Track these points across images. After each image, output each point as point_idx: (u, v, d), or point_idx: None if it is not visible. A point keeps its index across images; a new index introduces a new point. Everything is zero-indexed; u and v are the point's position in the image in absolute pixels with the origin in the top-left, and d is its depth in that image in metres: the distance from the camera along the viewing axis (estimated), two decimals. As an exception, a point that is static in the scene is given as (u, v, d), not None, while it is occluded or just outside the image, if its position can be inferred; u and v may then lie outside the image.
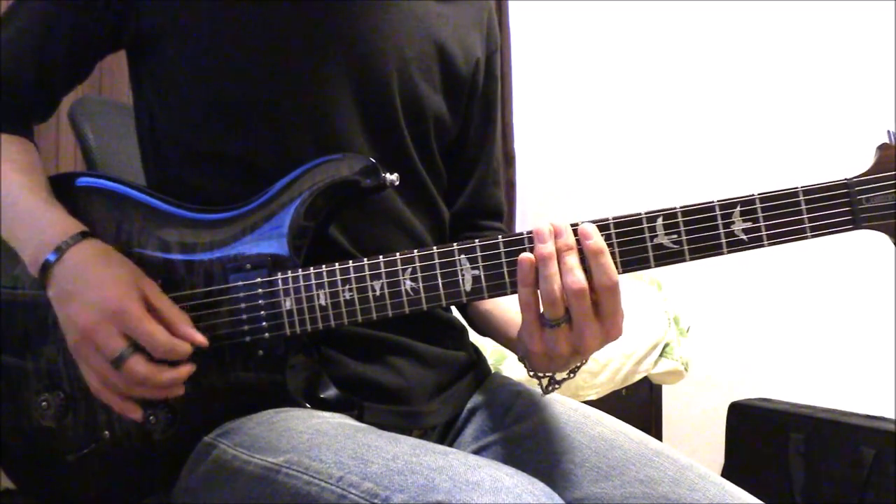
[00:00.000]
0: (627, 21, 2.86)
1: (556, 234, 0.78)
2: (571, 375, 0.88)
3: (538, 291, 0.78)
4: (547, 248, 0.78)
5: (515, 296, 0.88)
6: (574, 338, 0.79)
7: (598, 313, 0.78)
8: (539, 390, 1.03)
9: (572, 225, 0.79)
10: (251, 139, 0.94)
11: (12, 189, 0.91)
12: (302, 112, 0.93)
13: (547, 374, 0.88)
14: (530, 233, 0.81)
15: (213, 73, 0.93)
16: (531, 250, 0.80)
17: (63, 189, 0.94)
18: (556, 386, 0.90)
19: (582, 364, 0.87)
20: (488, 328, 1.04)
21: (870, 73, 2.32)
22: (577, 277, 0.77)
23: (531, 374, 0.88)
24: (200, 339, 0.85)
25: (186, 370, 0.85)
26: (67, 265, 0.86)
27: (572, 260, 0.77)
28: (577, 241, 0.78)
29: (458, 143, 1.08)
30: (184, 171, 0.97)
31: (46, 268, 0.86)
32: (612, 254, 0.79)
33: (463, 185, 1.10)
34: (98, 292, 0.83)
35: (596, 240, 0.78)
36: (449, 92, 1.02)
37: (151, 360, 0.83)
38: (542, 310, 0.79)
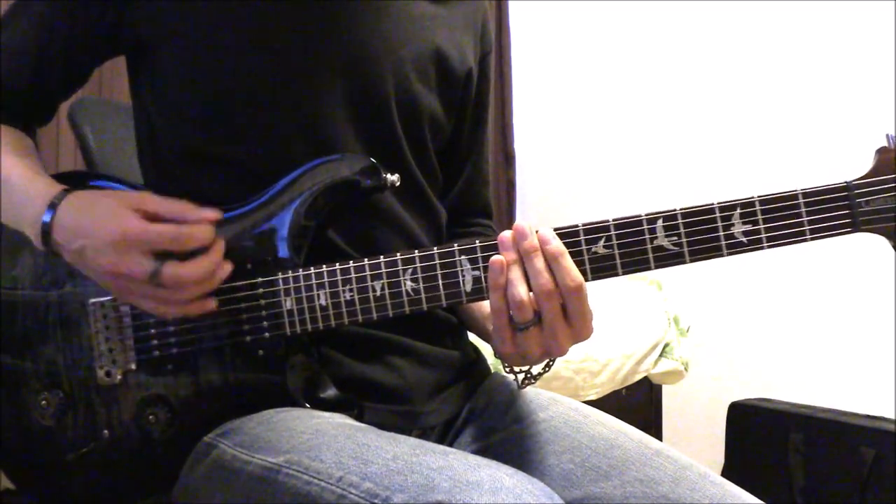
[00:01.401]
0: (627, 21, 2.86)
1: (520, 238, 0.79)
2: (547, 369, 0.90)
3: (506, 296, 0.80)
4: (510, 253, 0.79)
5: None
6: (545, 339, 0.80)
7: (567, 315, 0.79)
8: (538, 390, 1.03)
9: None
10: (247, 142, 0.94)
11: (10, 173, 0.92)
12: (297, 114, 0.94)
13: (522, 369, 0.90)
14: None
15: (210, 76, 0.93)
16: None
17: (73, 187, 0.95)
18: (532, 381, 0.92)
19: (555, 358, 0.88)
20: (468, 321, 1.05)
21: (870, 76, 2.32)
22: (545, 280, 0.78)
23: (507, 369, 0.90)
24: (210, 213, 0.86)
25: (219, 250, 0.85)
26: (62, 223, 0.86)
27: (538, 263, 0.79)
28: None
29: (449, 142, 1.08)
30: (181, 172, 0.97)
31: (46, 232, 0.86)
32: (612, 255, 0.79)
33: (452, 184, 1.11)
34: (99, 232, 0.84)
35: (554, 244, 0.79)
36: (444, 92, 1.02)
37: (185, 259, 0.83)
38: (511, 314, 0.80)
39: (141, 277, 0.82)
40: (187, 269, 0.83)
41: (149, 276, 0.82)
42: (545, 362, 0.88)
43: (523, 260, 0.79)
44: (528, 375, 0.91)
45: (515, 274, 0.79)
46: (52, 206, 0.86)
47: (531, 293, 0.79)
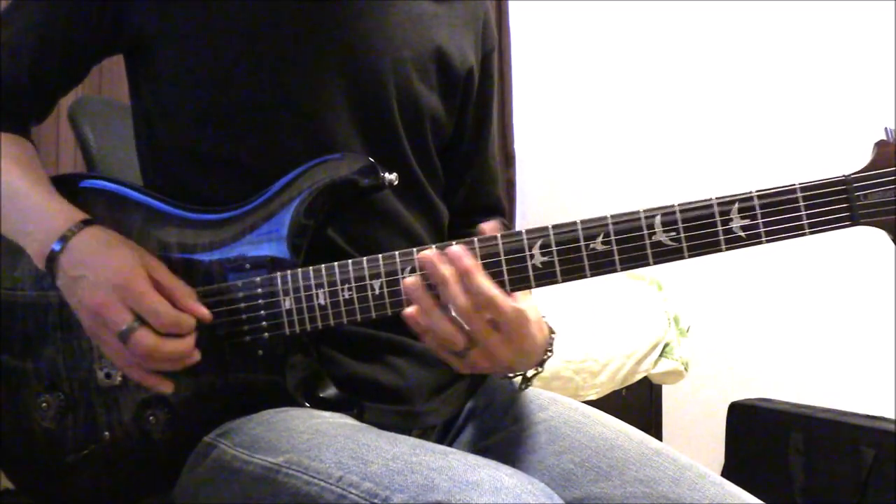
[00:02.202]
0: (627, 21, 2.86)
1: (429, 269, 0.79)
2: (540, 369, 0.89)
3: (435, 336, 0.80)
4: (425, 301, 0.79)
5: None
6: (488, 356, 0.80)
7: (499, 328, 0.79)
8: (538, 391, 1.03)
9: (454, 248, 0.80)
10: (247, 141, 0.94)
11: (13, 183, 0.92)
12: (297, 114, 0.94)
13: (517, 374, 0.89)
14: (530, 232, 0.81)
15: (209, 75, 0.93)
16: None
17: (64, 190, 0.94)
18: (528, 383, 0.91)
19: (547, 357, 0.88)
20: None
21: (867, 70, 2.32)
22: (461, 301, 0.77)
23: (500, 378, 0.90)
24: (203, 312, 0.86)
25: (190, 340, 0.85)
26: (73, 252, 0.86)
27: (452, 289, 0.78)
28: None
29: (453, 142, 1.08)
30: (181, 172, 0.97)
31: (53, 258, 0.86)
32: (611, 252, 0.79)
33: (459, 184, 1.10)
34: (104, 272, 0.84)
35: (463, 261, 0.78)
36: (445, 91, 1.02)
37: (159, 334, 0.84)
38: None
39: (114, 328, 0.83)
40: (156, 344, 0.83)
41: (121, 331, 0.83)
42: (537, 364, 0.88)
43: (438, 290, 0.79)
44: (524, 378, 0.90)
45: (434, 315, 0.78)
46: (64, 238, 0.87)
47: (453, 322, 0.78)
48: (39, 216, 0.90)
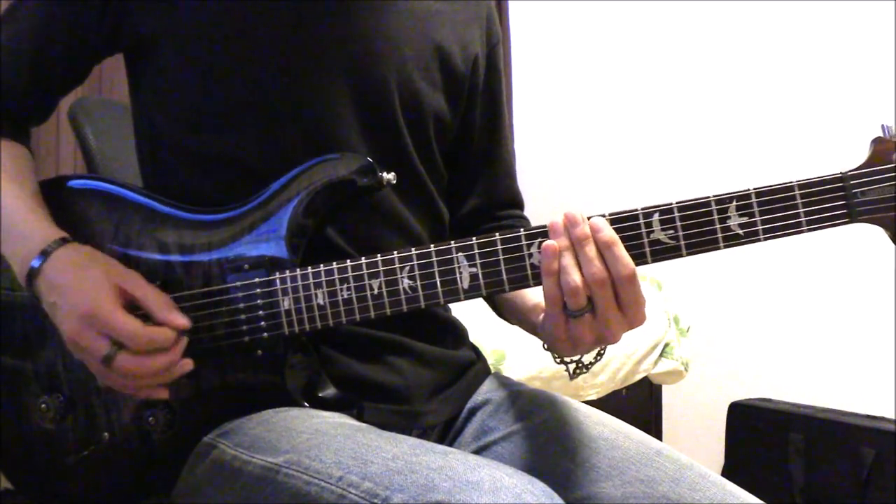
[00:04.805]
0: (627, 19, 2.86)
1: (571, 225, 0.78)
2: (598, 358, 0.89)
3: (560, 282, 0.78)
4: (562, 240, 0.78)
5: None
6: (598, 326, 0.79)
7: (620, 302, 0.79)
8: (538, 390, 1.03)
9: None
10: (248, 141, 0.94)
11: (4, 200, 0.91)
12: (299, 113, 0.93)
13: (573, 360, 0.88)
14: (528, 230, 0.82)
15: (209, 75, 0.93)
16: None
17: (60, 192, 0.94)
18: (584, 370, 0.90)
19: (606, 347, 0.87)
20: (512, 316, 1.03)
21: (864, 68, 2.32)
22: (597, 268, 0.77)
23: (558, 360, 0.89)
24: (181, 321, 0.85)
25: (177, 351, 0.85)
26: (48, 274, 0.85)
27: (591, 251, 0.78)
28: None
29: (464, 139, 1.08)
30: (181, 172, 0.97)
31: (32, 276, 0.86)
32: None
33: (476, 181, 1.10)
34: (73, 298, 0.83)
35: (606, 232, 0.78)
36: (448, 89, 1.02)
37: (140, 354, 0.83)
38: (565, 300, 0.79)
39: (96, 356, 0.83)
40: (139, 364, 0.83)
41: (102, 358, 0.82)
42: (596, 351, 0.87)
43: (575, 247, 0.78)
44: (580, 365, 0.90)
45: (568, 261, 0.78)
46: (45, 254, 0.86)
47: (584, 280, 0.78)
48: (19, 233, 0.89)
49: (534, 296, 0.95)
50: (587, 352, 0.86)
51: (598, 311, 0.79)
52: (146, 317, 0.85)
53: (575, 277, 0.77)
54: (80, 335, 0.83)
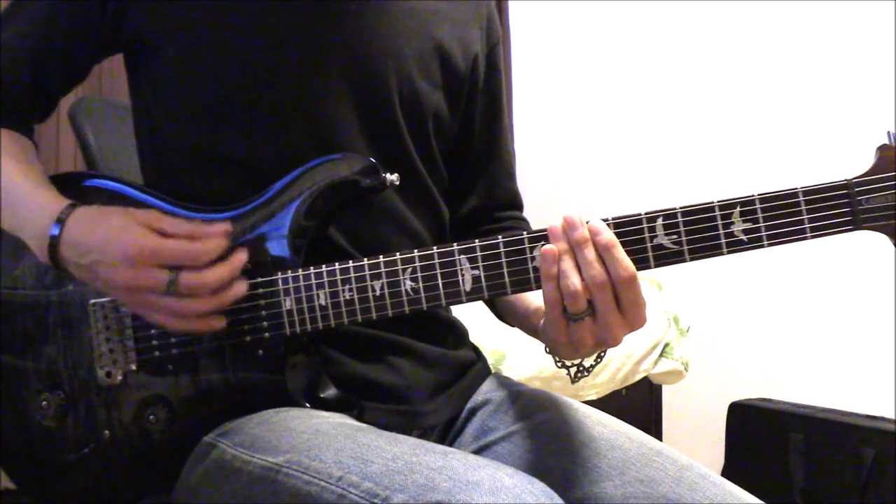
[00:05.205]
0: (627, 21, 2.86)
1: (571, 228, 0.78)
2: (599, 360, 0.89)
3: (560, 286, 0.78)
4: (561, 244, 0.78)
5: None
6: (599, 330, 0.79)
7: (620, 305, 0.79)
8: (538, 390, 1.03)
9: None
10: (248, 140, 0.94)
11: (9, 179, 0.91)
12: (299, 112, 0.93)
13: (574, 363, 0.89)
14: (531, 233, 0.82)
15: (210, 74, 0.93)
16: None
17: (64, 189, 0.94)
18: (585, 373, 0.90)
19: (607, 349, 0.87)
20: (513, 319, 1.03)
21: (870, 74, 2.32)
22: (597, 271, 0.77)
23: (559, 364, 0.88)
24: (220, 227, 0.86)
25: (239, 258, 0.85)
26: (72, 237, 0.86)
27: (590, 254, 0.78)
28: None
29: (463, 139, 1.08)
30: (181, 171, 0.97)
31: (53, 245, 0.86)
32: None
33: (476, 181, 1.10)
34: (113, 247, 0.84)
35: (605, 235, 0.78)
36: (448, 89, 1.02)
37: (200, 270, 0.84)
38: (565, 304, 0.79)
39: (159, 288, 0.83)
40: (205, 276, 0.83)
41: (166, 285, 0.82)
42: (597, 354, 0.87)
43: (574, 251, 0.78)
44: (581, 368, 0.90)
45: (567, 265, 0.78)
46: (60, 221, 0.86)
47: (584, 283, 0.78)
48: (30, 208, 0.89)
49: (535, 299, 0.95)
50: (589, 355, 0.86)
51: (598, 314, 0.79)
52: None
53: (574, 281, 0.77)
54: (136, 276, 0.83)
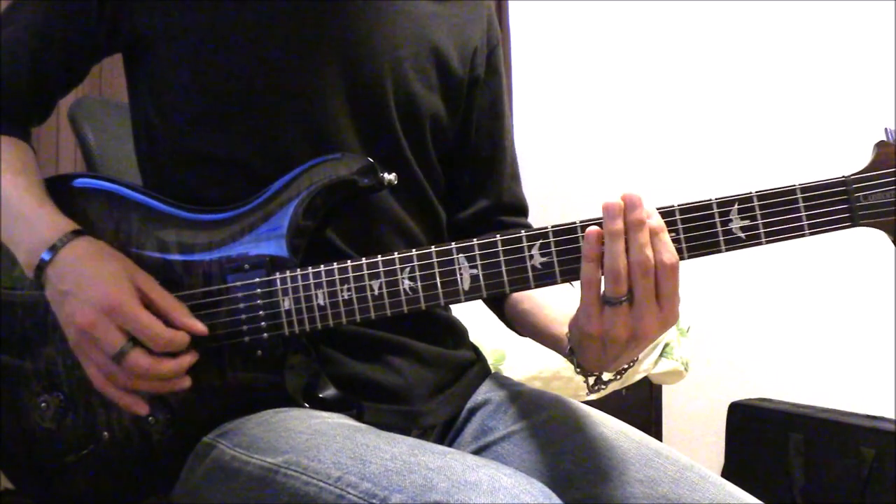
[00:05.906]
0: (628, 20, 2.86)
1: (631, 208, 0.76)
2: (618, 377, 0.86)
3: (601, 268, 0.76)
4: (618, 222, 0.75)
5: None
6: (633, 320, 0.76)
7: (659, 294, 0.76)
8: (538, 390, 1.02)
9: None
10: (245, 141, 0.94)
11: (6, 190, 0.91)
12: (295, 114, 0.93)
13: (594, 374, 0.86)
14: (529, 231, 0.81)
15: (207, 75, 0.93)
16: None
17: (61, 190, 0.94)
18: (603, 387, 0.88)
19: (630, 366, 0.85)
20: (530, 330, 1.01)
21: (867, 71, 2.32)
22: (646, 255, 0.75)
23: (578, 371, 0.86)
24: (199, 327, 0.86)
25: (188, 360, 0.85)
26: (61, 264, 0.86)
27: (643, 236, 0.75)
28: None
29: (464, 142, 1.07)
30: (179, 172, 0.97)
31: (41, 267, 0.86)
32: None
33: (480, 184, 1.09)
34: (93, 289, 0.84)
35: (656, 219, 0.76)
36: (445, 92, 1.02)
37: (152, 353, 0.83)
38: (603, 288, 0.77)
39: (108, 350, 0.83)
40: (151, 365, 0.83)
41: (116, 351, 0.82)
42: (617, 371, 0.85)
43: (629, 231, 0.76)
44: (599, 381, 0.87)
45: (619, 246, 0.75)
46: (54, 249, 0.86)
47: (629, 266, 0.75)
48: (29, 224, 0.89)
49: (555, 308, 0.94)
50: (615, 358, 0.81)
51: (636, 300, 0.76)
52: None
53: (621, 263, 0.75)
54: (96, 326, 0.82)
